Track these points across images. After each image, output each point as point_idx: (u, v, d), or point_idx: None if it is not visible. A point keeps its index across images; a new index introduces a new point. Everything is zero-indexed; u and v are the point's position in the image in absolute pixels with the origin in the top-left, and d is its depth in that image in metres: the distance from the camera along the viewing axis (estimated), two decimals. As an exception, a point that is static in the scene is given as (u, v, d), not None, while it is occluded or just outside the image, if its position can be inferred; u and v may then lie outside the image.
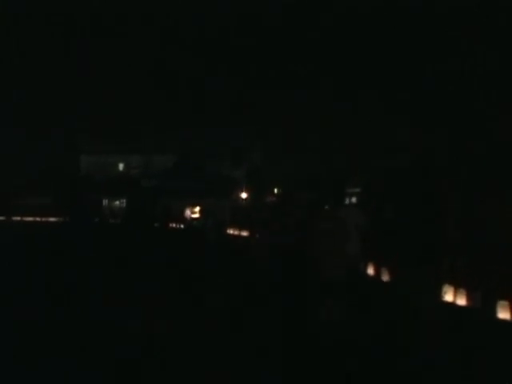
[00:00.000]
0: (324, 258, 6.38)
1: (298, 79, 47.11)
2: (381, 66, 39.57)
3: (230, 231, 27.47)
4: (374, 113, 36.12)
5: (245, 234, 25.09)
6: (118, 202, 48.77)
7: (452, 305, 7.18)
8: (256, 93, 49.43)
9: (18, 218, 42.32)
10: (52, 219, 39.64)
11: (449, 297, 7.31)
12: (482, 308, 6.70)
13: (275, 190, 44.19)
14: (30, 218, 42.05)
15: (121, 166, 54.91)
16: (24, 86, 52.20)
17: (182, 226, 35.38)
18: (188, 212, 41.79)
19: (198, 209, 41.34)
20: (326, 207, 7.70)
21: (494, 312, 6.36)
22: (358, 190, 18.35)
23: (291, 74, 48.04)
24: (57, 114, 51.28)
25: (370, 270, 10.37)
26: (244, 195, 46.32)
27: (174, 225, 36.48)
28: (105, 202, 48.13)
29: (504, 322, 6.22)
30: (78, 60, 54.29)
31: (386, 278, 9.56)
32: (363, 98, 39.69)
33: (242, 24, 51.95)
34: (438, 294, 7.40)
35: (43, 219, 41.03)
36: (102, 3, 55.19)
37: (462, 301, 7.12)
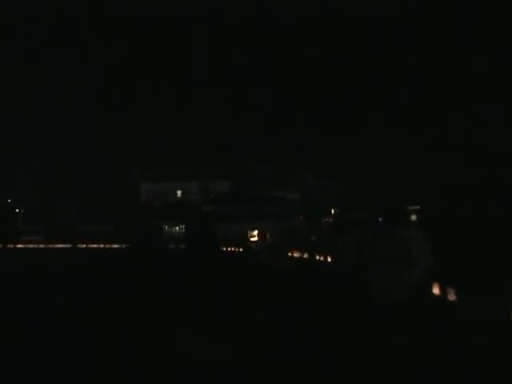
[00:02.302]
0: (384, 283, 6.35)
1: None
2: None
3: (290, 254, 27.51)
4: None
5: (305, 256, 25.06)
6: (177, 228, 49.78)
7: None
8: (306, 118, 49.65)
9: (83, 246, 43.75)
10: (115, 245, 40.84)
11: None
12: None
13: (332, 211, 43.97)
14: (95, 245, 43.43)
15: (179, 193, 56.22)
16: (89, 123, 54.39)
17: (240, 250, 35.75)
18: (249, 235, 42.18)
19: (256, 232, 41.66)
20: (387, 228, 7.66)
21: None
22: (417, 207, 18.12)
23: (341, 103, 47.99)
24: (118, 141, 53.09)
25: (436, 290, 10.20)
26: (301, 217, 46.31)
27: (232, 249, 36.86)
28: (165, 227, 49.19)
29: None
30: (135, 91, 56.00)
31: (452, 297, 9.39)
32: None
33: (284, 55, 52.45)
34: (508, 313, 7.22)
35: (107, 246, 42.29)
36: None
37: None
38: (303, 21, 47.78)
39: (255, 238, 39.95)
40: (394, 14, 38.82)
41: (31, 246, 43.00)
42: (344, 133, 40.09)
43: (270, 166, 50.17)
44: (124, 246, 38.40)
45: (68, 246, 42.87)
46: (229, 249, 37.33)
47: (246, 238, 40.54)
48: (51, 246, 42.46)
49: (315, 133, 44.72)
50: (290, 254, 27.30)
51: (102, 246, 43.14)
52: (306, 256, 24.77)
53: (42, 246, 43.22)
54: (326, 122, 43.64)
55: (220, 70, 54.08)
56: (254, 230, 41.69)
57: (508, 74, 27.00)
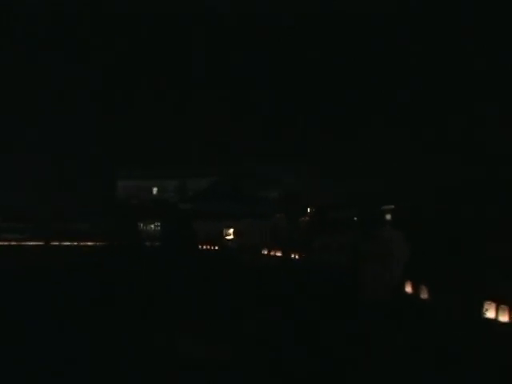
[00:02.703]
0: (371, 281, 6.39)
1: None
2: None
3: (265, 252, 27.52)
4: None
5: (279, 254, 25.11)
6: (152, 226, 49.49)
7: (494, 322, 7.08)
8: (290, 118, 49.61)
9: (56, 243, 43.27)
10: (89, 243, 40.43)
11: (490, 314, 7.22)
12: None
13: (308, 210, 44.09)
14: (68, 243, 42.96)
15: (154, 190, 55.96)
16: (61, 113, 53.66)
17: (216, 248, 35.67)
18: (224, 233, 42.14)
19: (231, 230, 41.61)
20: (371, 228, 7.67)
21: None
22: (391, 206, 18.24)
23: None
24: (94, 141, 52.54)
25: (408, 288, 10.28)
26: (278, 216, 46.34)
27: (208, 247, 36.76)
28: (140, 225, 48.86)
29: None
30: (113, 86, 55.32)
31: (424, 295, 9.48)
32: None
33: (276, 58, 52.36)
34: (479, 310, 7.32)
35: (81, 243, 41.87)
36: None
37: (504, 317, 7.02)
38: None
39: (231, 237, 39.94)
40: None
41: (6, 243, 42.44)
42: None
43: (252, 165, 50.23)
44: (99, 243, 38.07)
45: (41, 243, 42.37)
46: (204, 247, 37.24)
47: (222, 236, 40.49)
48: (24, 243, 41.93)
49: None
50: (269, 253, 27.38)
51: (75, 243, 42.70)
52: (280, 254, 24.85)
53: (14, 243, 42.64)
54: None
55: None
56: (229, 228, 41.65)
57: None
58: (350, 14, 43.64)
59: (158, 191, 55.95)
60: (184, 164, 52.24)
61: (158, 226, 48.07)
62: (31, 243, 42.04)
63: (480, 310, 7.22)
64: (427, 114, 31.83)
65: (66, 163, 51.10)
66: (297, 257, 21.82)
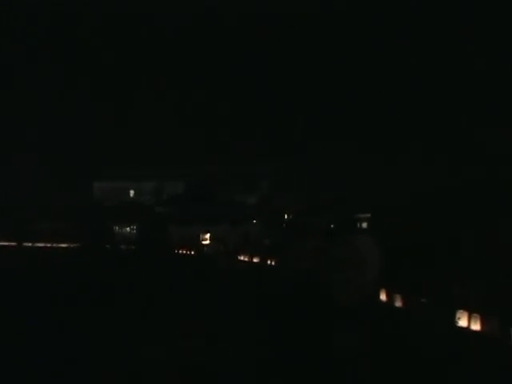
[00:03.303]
0: (339, 286, 6.41)
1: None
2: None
3: (241, 258, 27.47)
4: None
5: (256, 260, 25.09)
6: (128, 229, 49.03)
7: (466, 330, 7.16)
8: (266, 119, 49.64)
9: (29, 244, 42.58)
10: (63, 245, 39.85)
11: (463, 322, 7.30)
12: (497, 333, 6.69)
13: (285, 216, 44.21)
14: (41, 244, 42.28)
15: (131, 193, 55.46)
16: (37, 113, 53.01)
17: (192, 253, 35.47)
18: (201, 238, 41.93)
19: (208, 235, 41.43)
20: (342, 234, 7.73)
21: (509, 337, 6.35)
22: (368, 215, 18.40)
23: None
24: (70, 140, 51.95)
25: (383, 297, 10.36)
26: (254, 221, 46.40)
27: (184, 251, 36.54)
28: (115, 228, 48.40)
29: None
30: (89, 85, 54.86)
31: (399, 304, 9.56)
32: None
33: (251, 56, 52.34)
34: (452, 319, 7.39)
35: (55, 245, 41.25)
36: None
37: (476, 326, 7.10)
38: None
39: (207, 242, 39.75)
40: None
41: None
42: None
43: (230, 169, 50.09)
44: (72, 245, 37.54)
45: (13, 244, 41.64)
46: (181, 251, 37.00)
47: (198, 240, 40.29)
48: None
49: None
50: (241, 258, 27.34)
51: (49, 245, 42.05)
52: (256, 260, 24.83)
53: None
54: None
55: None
56: (206, 233, 41.47)
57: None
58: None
59: (135, 194, 55.45)
60: (162, 165, 51.88)
61: (133, 229, 47.66)
62: (3, 243, 41.33)
63: (453, 319, 7.30)
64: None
65: (41, 163, 50.46)
66: (273, 263, 21.84)
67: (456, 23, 33.63)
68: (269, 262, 22.35)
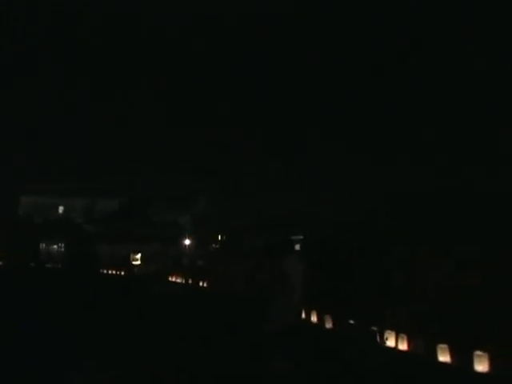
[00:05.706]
0: (266, 309, 6.41)
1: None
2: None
3: (173, 279, 27.00)
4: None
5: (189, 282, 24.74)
6: (55, 247, 47.28)
7: (394, 350, 7.32)
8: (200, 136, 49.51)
9: None
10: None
11: (390, 342, 7.46)
12: (423, 352, 6.87)
13: (219, 237, 43.97)
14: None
15: (60, 209, 53.60)
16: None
17: (122, 273, 34.50)
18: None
19: (139, 255, 40.46)
20: (275, 257, 7.69)
21: (434, 356, 6.54)
22: (300, 237, 18.56)
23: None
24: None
25: (314, 318, 10.44)
26: (188, 242, 45.90)
27: (113, 272, 35.49)
28: (42, 245, 46.56)
29: (444, 364, 6.40)
30: (18, 97, 53.34)
31: (329, 325, 9.65)
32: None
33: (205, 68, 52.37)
34: (381, 339, 7.55)
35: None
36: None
37: (403, 346, 7.28)
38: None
39: (138, 262, 38.84)
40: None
41: None
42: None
43: (165, 188, 49.49)
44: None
45: None
46: (110, 272, 35.96)
47: (129, 261, 39.30)
48: None
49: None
50: (173, 280, 26.87)
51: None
52: (190, 282, 24.48)
53: None
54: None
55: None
56: (137, 253, 40.53)
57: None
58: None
59: (65, 210, 53.58)
60: (94, 180, 50.54)
61: (61, 247, 46.00)
62: None
63: (381, 339, 7.44)
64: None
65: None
66: (205, 285, 21.62)
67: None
68: (201, 283, 22.13)
